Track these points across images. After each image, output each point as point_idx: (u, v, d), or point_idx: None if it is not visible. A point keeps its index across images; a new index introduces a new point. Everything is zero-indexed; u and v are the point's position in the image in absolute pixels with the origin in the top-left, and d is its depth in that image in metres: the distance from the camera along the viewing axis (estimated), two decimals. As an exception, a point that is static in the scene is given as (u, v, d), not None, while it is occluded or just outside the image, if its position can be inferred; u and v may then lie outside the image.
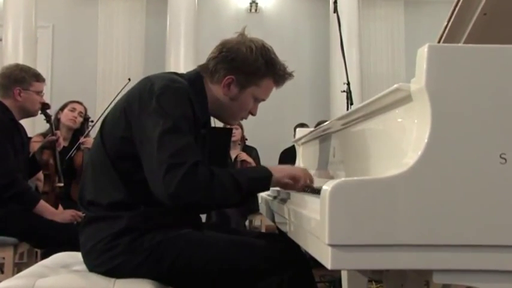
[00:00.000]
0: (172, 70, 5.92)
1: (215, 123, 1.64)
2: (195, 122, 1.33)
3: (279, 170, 1.36)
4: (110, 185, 1.34)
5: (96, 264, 1.35)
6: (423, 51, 0.93)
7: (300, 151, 2.18)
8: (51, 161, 2.70)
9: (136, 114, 1.31)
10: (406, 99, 1.00)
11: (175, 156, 1.21)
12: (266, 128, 5.88)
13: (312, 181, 1.42)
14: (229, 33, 1.49)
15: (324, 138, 1.74)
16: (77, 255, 1.47)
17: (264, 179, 1.33)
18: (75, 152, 3.09)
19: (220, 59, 1.44)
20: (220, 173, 1.26)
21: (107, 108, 3.75)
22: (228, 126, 4.05)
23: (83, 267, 1.41)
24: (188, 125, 1.29)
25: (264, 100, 1.51)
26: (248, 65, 1.42)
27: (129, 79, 4.17)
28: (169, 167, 1.19)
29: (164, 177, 1.19)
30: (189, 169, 1.19)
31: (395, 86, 1.00)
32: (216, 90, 1.46)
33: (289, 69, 1.50)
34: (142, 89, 1.34)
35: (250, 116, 1.55)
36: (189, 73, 1.50)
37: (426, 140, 0.90)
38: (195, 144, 1.28)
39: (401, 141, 1.02)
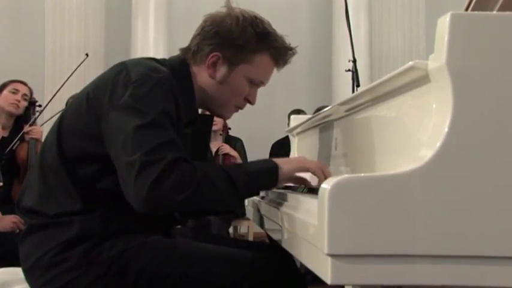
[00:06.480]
0: (139, 42, 5.95)
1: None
2: (178, 121, 1.32)
3: (287, 162, 1.34)
4: (60, 193, 1.34)
5: (43, 283, 1.33)
6: (444, 21, 0.94)
7: (295, 143, 2.19)
8: (-13, 155, 2.68)
9: (107, 108, 1.29)
10: (423, 79, 1.01)
11: (150, 153, 1.19)
12: (253, 115, 5.83)
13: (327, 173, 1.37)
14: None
15: (324, 127, 1.75)
16: (18, 272, 1.46)
17: (269, 171, 1.30)
18: (18, 143, 3.06)
19: (202, 35, 1.45)
20: (208, 168, 1.25)
21: (58, 90, 3.74)
22: (208, 113, 4.06)
23: (25, 286, 1.40)
24: (170, 121, 1.27)
25: (262, 83, 1.51)
26: (234, 38, 1.42)
27: (87, 54, 4.12)
28: (142, 167, 1.17)
29: (136, 179, 1.17)
30: (166, 166, 1.17)
31: (409, 63, 1.01)
32: (201, 74, 1.47)
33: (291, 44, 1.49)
34: (116, 78, 1.32)
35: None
36: (171, 59, 1.51)
37: (446, 130, 0.91)
38: (178, 140, 1.26)
39: (416, 131, 1.03)
